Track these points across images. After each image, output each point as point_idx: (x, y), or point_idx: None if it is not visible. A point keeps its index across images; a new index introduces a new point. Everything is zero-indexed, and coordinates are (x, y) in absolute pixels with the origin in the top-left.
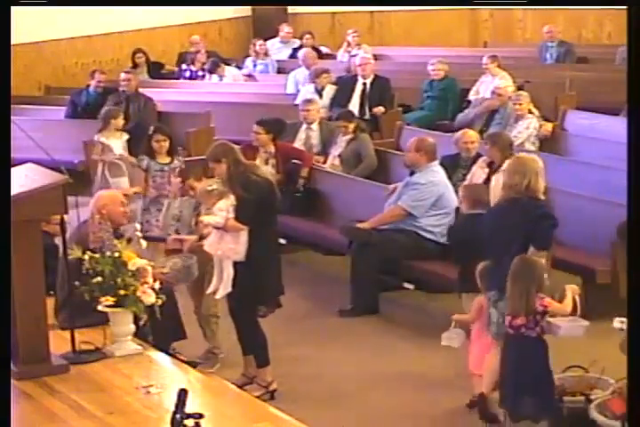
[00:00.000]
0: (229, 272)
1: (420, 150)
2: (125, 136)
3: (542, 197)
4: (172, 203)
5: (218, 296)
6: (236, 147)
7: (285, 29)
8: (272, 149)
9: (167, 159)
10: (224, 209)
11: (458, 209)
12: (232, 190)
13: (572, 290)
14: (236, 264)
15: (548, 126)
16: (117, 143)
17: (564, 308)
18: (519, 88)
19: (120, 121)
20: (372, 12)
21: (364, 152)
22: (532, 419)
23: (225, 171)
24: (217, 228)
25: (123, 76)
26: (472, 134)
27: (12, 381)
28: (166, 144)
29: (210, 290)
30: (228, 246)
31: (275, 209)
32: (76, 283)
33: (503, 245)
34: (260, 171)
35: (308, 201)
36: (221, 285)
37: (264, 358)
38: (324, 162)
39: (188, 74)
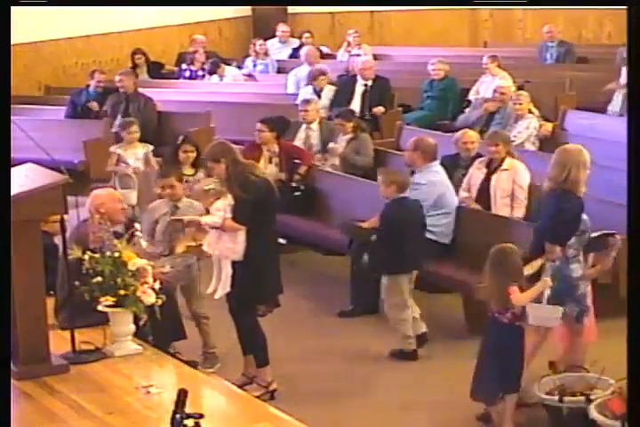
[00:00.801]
0: (227, 272)
1: (417, 150)
2: (147, 148)
3: (582, 190)
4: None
5: (216, 296)
6: (235, 146)
7: (282, 29)
8: (275, 147)
9: (191, 171)
10: (221, 209)
11: (459, 208)
12: (230, 190)
13: (544, 283)
14: (234, 264)
15: (548, 126)
16: (134, 155)
17: (523, 297)
18: (519, 88)
19: (133, 133)
20: (372, 11)
21: (363, 152)
22: (486, 401)
23: (224, 170)
24: (215, 227)
25: (117, 78)
26: (472, 134)
27: (12, 381)
28: (193, 155)
29: (209, 290)
30: (226, 246)
31: (273, 209)
32: (76, 283)
33: (536, 236)
34: (258, 170)
35: (308, 201)
36: (220, 285)
37: (263, 357)
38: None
39: (187, 74)
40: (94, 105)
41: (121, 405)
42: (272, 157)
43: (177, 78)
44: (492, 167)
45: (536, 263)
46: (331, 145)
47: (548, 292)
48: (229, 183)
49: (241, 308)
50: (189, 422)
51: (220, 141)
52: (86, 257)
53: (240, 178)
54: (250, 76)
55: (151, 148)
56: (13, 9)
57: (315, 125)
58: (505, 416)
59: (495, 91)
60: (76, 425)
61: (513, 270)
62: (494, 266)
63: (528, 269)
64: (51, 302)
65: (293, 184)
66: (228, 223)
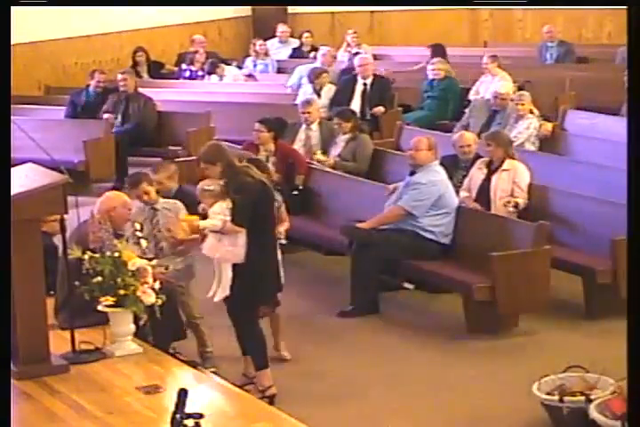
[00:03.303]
0: (228, 275)
1: (431, 149)
2: None
3: None
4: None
5: (216, 299)
6: (229, 149)
7: (281, 29)
8: (272, 147)
9: None
10: (220, 212)
11: (459, 208)
12: (227, 193)
13: None
14: (234, 266)
15: (548, 126)
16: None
17: None
18: (519, 88)
19: None
20: (372, 11)
21: (359, 154)
22: None
23: (219, 173)
24: (214, 231)
25: (119, 77)
26: (468, 137)
27: (12, 381)
28: None
29: (210, 294)
30: (226, 249)
31: (269, 209)
32: (76, 283)
33: None
34: (252, 172)
35: (305, 200)
36: (219, 288)
37: (262, 360)
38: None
39: (187, 74)
40: (110, 117)
41: (121, 405)
42: (268, 157)
43: (177, 78)
44: (493, 167)
45: None
46: (318, 156)
47: None
48: (226, 186)
49: (241, 310)
50: (189, 422)
51: (215, 143)
52: (86, 257)
53: (236, 181)
54: (250, 76)
55: None
56: (13, 9)
57: (315, 126)
58: None
59: (495, 97)
60: (76, 425)
61: None
62: None
63: None
64: (51, 302)
65: (290, 184)
66: (228, 226)
